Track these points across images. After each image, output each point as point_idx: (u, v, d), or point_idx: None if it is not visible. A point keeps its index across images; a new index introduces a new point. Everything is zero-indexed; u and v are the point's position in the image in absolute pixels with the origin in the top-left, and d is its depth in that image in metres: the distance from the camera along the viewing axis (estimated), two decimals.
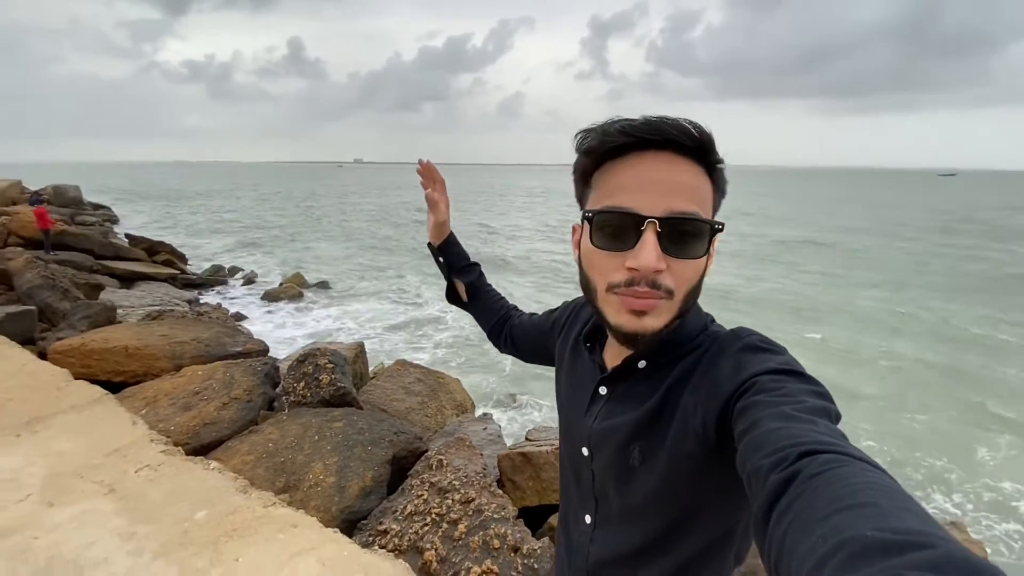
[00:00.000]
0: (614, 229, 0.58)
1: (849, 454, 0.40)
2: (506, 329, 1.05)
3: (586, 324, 0.81)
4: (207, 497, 1.72)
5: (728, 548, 0.65)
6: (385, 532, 2.81)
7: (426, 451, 3.57)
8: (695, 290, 0.61)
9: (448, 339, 8.67)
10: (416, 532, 2.76)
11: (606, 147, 0.58)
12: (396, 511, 2.95)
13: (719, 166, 0.60)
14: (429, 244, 1.09)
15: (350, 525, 2.95)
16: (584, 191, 0.65)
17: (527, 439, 4.42)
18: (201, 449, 3.49)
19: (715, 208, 0.61)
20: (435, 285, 12.59)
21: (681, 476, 0.61)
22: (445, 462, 3.28)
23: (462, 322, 9.34)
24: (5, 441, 2.06)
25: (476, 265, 1.09)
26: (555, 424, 5.77)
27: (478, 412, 5.65)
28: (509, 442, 4.57)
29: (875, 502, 0.34)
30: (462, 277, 1.07)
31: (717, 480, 0.59)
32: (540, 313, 1.00)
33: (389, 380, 5.12)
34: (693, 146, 0.57)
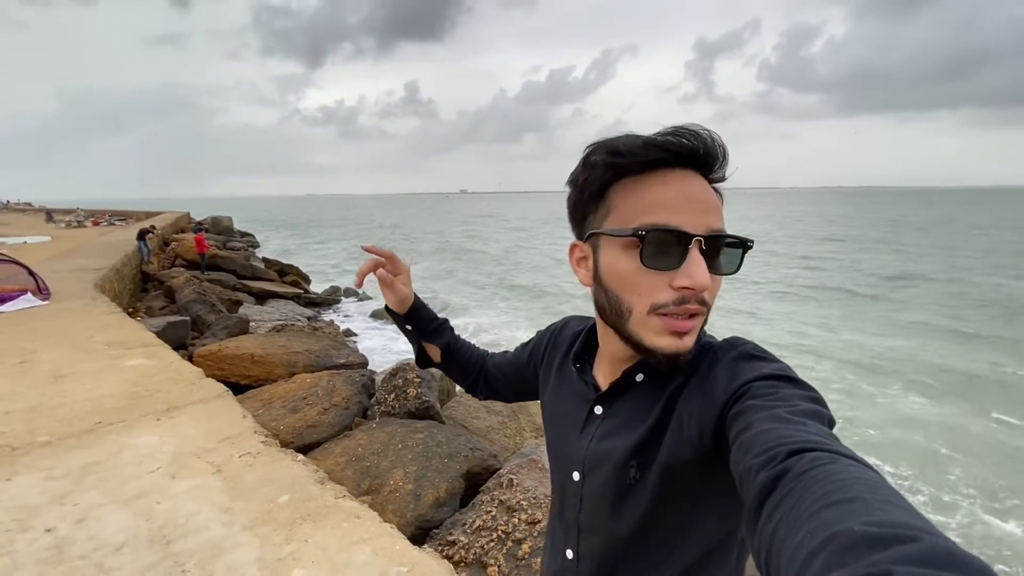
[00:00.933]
0: (660, 247, 0.56)
1: (836, 451, 0.40)
2: (481, 377, 1.00)
3: (572, 345, 0.79)
4: (290, 484, 1.94)
5: (727, 554, 0.63)
6: (453, 543, 2.91)
7: (499, 469, 3.65)
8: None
9: None
10: (482, 547, 2.82)
11: (636, 160, 0.57)
12: (466, 524, 3.04)
13: (718, 183, 0.60)
14: (388, 309, 0.99)
15: (423, 532, 3.09)
16: (595, 206, 0.62)
17: None
18: (303, 448, 3.89)
19: None
20: (524, 310, 12.80)
21: (677, 487, 0.60)
22: (516, 481, 3.32)
23: None
24: (149, 422, 2.50)
25: (444, 323, 1.02)
26: None
27: None
28: None
29: (861, 496, 0.34)
30: (434, 340, 0.99)
31: (713, 488, 0.59)
32: (512, 350, 0.97)
33: (473, 399, 5.32)
34: (715, 165, 0.58)
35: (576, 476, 0.71)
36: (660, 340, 0.58)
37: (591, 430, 0.69)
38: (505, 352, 1.00)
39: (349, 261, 22.48)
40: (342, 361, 5.73)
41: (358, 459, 3.61)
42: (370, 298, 14.54)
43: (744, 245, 0.59)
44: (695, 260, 0.55)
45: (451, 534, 2.98)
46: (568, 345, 0.80)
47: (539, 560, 2.69)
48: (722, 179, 0.60)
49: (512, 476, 3.39)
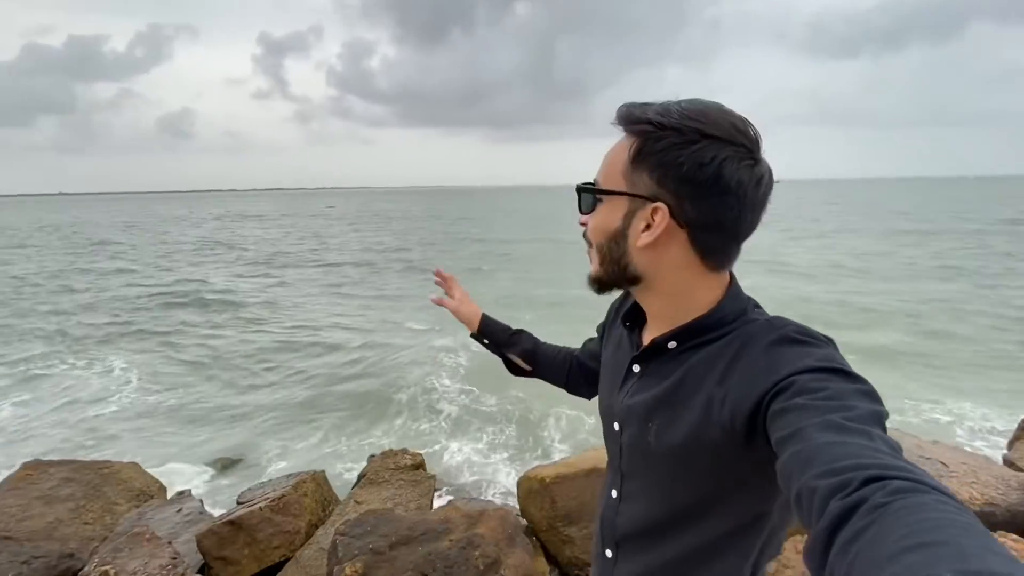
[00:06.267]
0: None
1: (919, 480, 0.37)
2: (575, 374, 1.02)
3: (624, 305, 0.83)
4: None
5: (753, 536, 0.64)
6: None
7: (82, 568, 2.71)
8: (608, 245, 0.67)
9: (116, 414, 6.70)
10: None
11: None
12: None
13: (642, 127, 0.61)
14: (472, 334, 1.10)
15: None
16: None
17: (238, 503, 3.86)
18: None
19: (643, 168, 0.62)
20: (83, 350, 9.58)
21: (701, 462, 0.62)
22: (114, 572, 2.55)
23: (131, 388, 7.42)
24: None
25: (521, 332, 1.08)
26: (276, 476, 5.19)
27: (173, 492, 4.62)
28: (219, 513, 3.89)
29: (953, 540, 0.31)
30: (513, 349, 1.06)
31: (741, 472, 0.60)
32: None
33: (13, 494, 3.67)
34: (619, 122, 0.65)
35: (616, 427, 0.76)
36: None
37: (628, 387, 0.74)
38: (590, 340, 1.01)
39: None
40: None
41: None
42: None
43: (583, 189, 0.70)
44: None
45: None
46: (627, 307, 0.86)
47: None
48: (628, 128, 0.64)
49: (106, 567, 2.58)
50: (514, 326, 1.11)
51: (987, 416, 5.65)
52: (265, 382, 7.63)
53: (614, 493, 0.77)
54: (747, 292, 0.68)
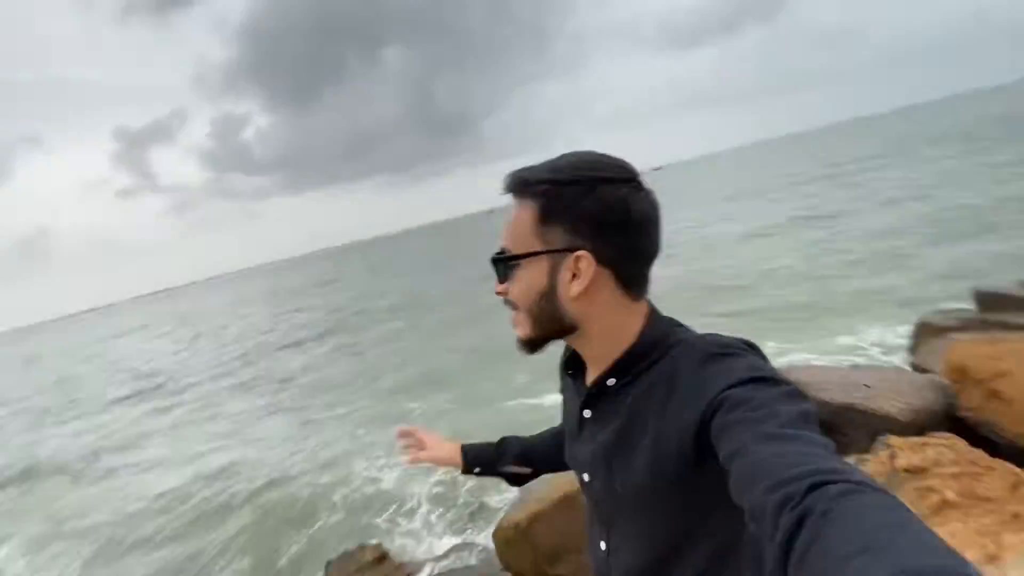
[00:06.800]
0: None
1: (857, 482, 0.40)
2: None
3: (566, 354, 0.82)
4: None
5: (739, 556, 0.65)
6: None
7: None
8: (538, 305, 0.67)
9: None
10: None
11: None
12: None
13: (541, 188, 0.65)
14: (462, 472, 1.05)
15: None
16: None
17: None
18: None
19: (554, 224, 0.65)
20: None
21: (667, 496, 0.63)
22: None
23: None
24: None
25: (503, 440, 1.03)
26: None
27: None
28: None
29: (893, 542, 0.33)
30: (504, 463, 1.02)
31: (707, 495, 0.61)
32: None
33: None
34: (514, 191, 0.68)
35: (586, 477, 0.75)
36: None
37: (584, 433, 0.74)
38: None
39: None
40: None
41: None
42: None
43: (499, 259, 0.70)
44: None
45: None
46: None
47: None
48: (526, 193, 0.67)
49: None
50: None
51: (883, 336, 6.29)
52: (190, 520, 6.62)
53: (602, 545, 0.77)
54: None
